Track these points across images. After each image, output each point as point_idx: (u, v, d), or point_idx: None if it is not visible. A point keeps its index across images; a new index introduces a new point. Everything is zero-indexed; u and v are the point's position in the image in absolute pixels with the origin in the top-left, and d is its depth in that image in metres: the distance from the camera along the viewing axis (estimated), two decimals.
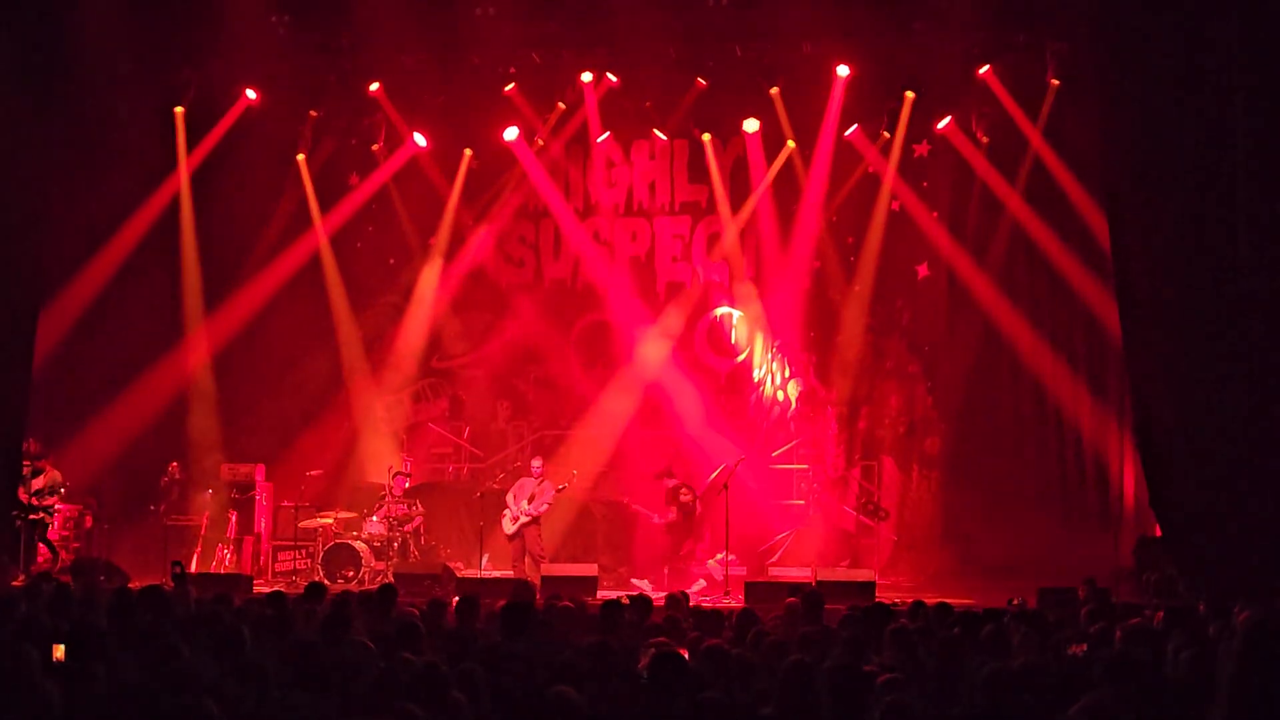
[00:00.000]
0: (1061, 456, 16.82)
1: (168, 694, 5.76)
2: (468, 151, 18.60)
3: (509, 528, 16.01)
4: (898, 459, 17.57)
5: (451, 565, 15.91)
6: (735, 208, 18.16)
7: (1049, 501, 16.64)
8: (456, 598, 9.86)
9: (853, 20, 16.37)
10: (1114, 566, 14.84)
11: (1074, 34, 15.53)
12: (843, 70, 16.96)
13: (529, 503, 15.94)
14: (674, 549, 15.91)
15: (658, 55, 17.30)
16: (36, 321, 15.74)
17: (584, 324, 18.76)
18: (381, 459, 18.23)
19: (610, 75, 17.54)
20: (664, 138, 18.06)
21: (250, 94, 17.86)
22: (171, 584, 11.06)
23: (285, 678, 6.29)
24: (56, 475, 16.00)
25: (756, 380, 18.32)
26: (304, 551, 16.60)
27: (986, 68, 16.58)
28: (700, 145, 18.25)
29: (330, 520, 16.50)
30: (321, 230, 18.71)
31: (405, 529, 16.21)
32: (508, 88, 17.72)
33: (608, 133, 18.31)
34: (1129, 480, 15.71)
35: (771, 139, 17.76)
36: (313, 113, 18.33)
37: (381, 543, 16.00)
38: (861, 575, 14.35)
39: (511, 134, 18.08)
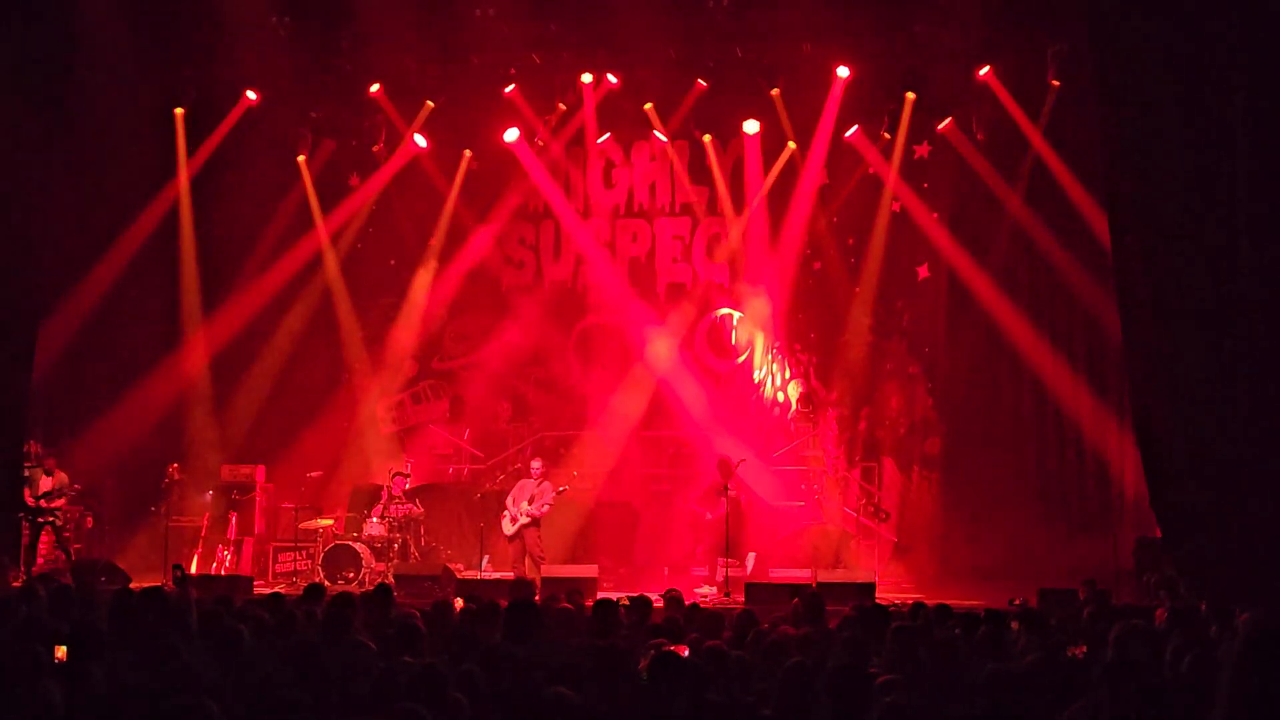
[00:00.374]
0: (1062, 457, 16.83)
1: (168, 695, 5.76)
2: (468, 153, 18.61)
3: (508, 529, 16.00)
4: (898, 460, 17.57)
5: (452, 566, 15.91)
6: (736, 209, 18.17)
7: (1049, 503, 16.65)
8: (459, 600, 9.86)
9: (853, 21, 16.40)
10: (1114, 568, 14.84)
11: (1074, 35, 15.52)
12: (843, 71, 16.97)
13: (529, 504, 15.92)
14: (722, 545, 15.66)
15: (658, 56, 17.32)
16: (38, 322, 15.76)
17: (584, 325, 18.76)
18: (382, 460, 18.26)
19: (610, 76, 17.55)
20: (664, 139, 18.06)
21: (251, 95, 17.86)
22: (172, 586, 11.07)
23: (285, 678, 6.28)
24: (64, 477, 16.03)
25: (757, 381, 18.32)
26: (304, 553, 16.60)
27: (987, 69, 16.59)
28: (700, 146, 18.26)
29: (330, 521, 16.51)
30: (322, 231, 18.71)
31: (405, 530, 16.20)
32: (508, 89, 17.73)
33: (608, 134, 18.32)
34: (1129, 481, 15.69)
35: (772, 140, 17.77)
36: (313, 114, 18.35)
37: (382, 544, 16.00)
38: (862, 576, 14.35)
39: (512, 135, 18.09)
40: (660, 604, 10.36)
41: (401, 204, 18.82)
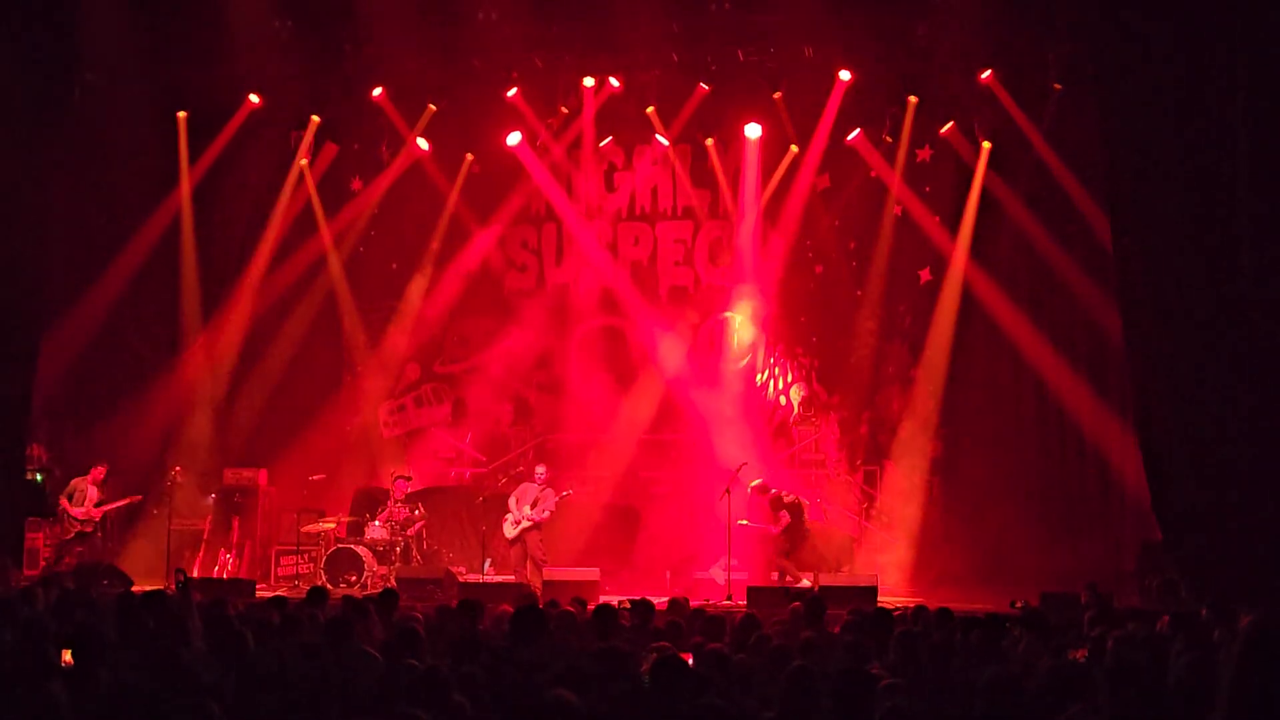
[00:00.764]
0: (1064, 461, 16.81)
1: (170, 697, 5.77)
2: (469, 156, 18.62)
3: (510, 532, 16.02)
4: (900, 463, 17.53)
5: (454, 570, 15.94)
6: (737, 212, 18.16)
7: (1051, 505, 16.62)
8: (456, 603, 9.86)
9: (855, 25, 16.38)
10: (1116, 570, 14.84)
11: (1075, 38, 15.53)
12: (845, 75, 16.97)
13: (531, 508, 15.94)
14: (790, 550, 15.61)
15: (660, 60, 17.32)
16: (40, 325, 15.80)
17: (586, 329, 18.75)
18: (384, 463, 18.28)
19: (612, 80, 17.55)
20: (666, 142, 18.07)
21: (254, 99, 17.87)
22: (174, 589, 11.08)
23: (287, 682, 6.29)
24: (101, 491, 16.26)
25: (758, 385, 18.32)
26: (306, 556, 16.60)
27: (989, 72, 16.59)
28: (702, 150, 18.27)
29: (332, 525, 16.52)
30: (324, 235, 18.72)
31: (407, 533, 16.22)
32: (510, 92, 17.72)
33: (610, 137, 18.33)
34: (1130, 483, 15.67)
35: (774, 144, 17.78)
36: (315, 118, 18.35)
37: (384, 547, 16.01)
38: (863, 580, 14.35)
39: (514, 138, 18.10)
40: (663, 607, 10.38)
41: (403, 207, 18.82)
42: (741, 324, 18.30)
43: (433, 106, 17.96)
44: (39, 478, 17.02)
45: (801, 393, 18.07)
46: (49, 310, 16.19)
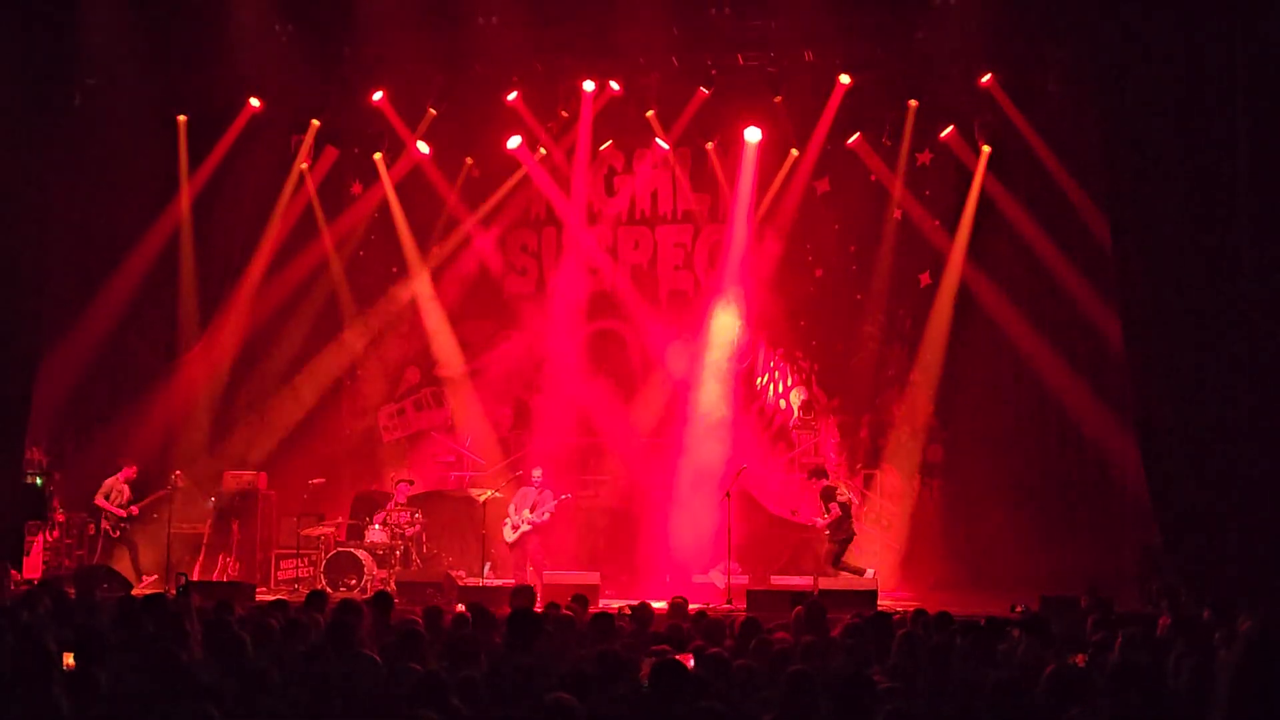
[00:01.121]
0: (1063, 464, 16.81)
1: (171, 701, 5.76)
2: (469, 160, 18.63)
3: (510, 536, 16.03)
4: (900, 467, 17.55)
5: (454, 573, 15.93)
6: (738, 216, 18.15)
7: (1051, 509, 16.62)
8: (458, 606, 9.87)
9: (855, 29, 16.39)
10: (1117, 574, 14.82)
11: (1075, 41, 15.54)
12: (844, 79, 16.98)
13: (530, 511, 15.94)
14: (834, 551, 15.45)
15: (660, 64, 17.32)
16: (41, 327, 15.80)
17: (586, 332, 18.75)
18: (384, 467, 18.28)
19: (613, 84, 17.55)
20: (666, 146, 18.07)
21: (254, 102, 17.87)
22: (174, 593, 11.08)
23: (287, 685, 6.29)
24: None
25: (758, 388, 18.32)
26: (306, 559, 16.58)
27: (989, 76, 16.60)
28: (703, 154, 18.28)
29: (332, 528, 16.51)
30: (324, 239, 18.72)
31: (407, 535, 16.21)
32: (510, 96, 17.72)
33: (610, 141, 18.33)
34: (1131, 487, 15.67)
35: (774, 148, 17.78)
36: (315, 122, 18.36)
37: (384, 551, 16.00)
38: (864, 584, 14.34)
39: (514, 142, 18.11)
40: (663, 611, 10.38)
41: (404, 211, 18.81)
42: (741, 328, 18.28)
43: (433, 110, 17.95)
44: (38, 481, 17.01)
45: (801, 396, 18.06)
46: (49, 312, 16.18)
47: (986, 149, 17.01)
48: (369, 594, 14.37)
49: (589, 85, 17.60)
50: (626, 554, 16.95)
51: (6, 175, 14.94)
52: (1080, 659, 7.92)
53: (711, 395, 17.95)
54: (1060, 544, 15.97)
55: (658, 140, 17.97)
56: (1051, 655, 8.00)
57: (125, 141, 17.52)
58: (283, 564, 16.83)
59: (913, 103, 17.17)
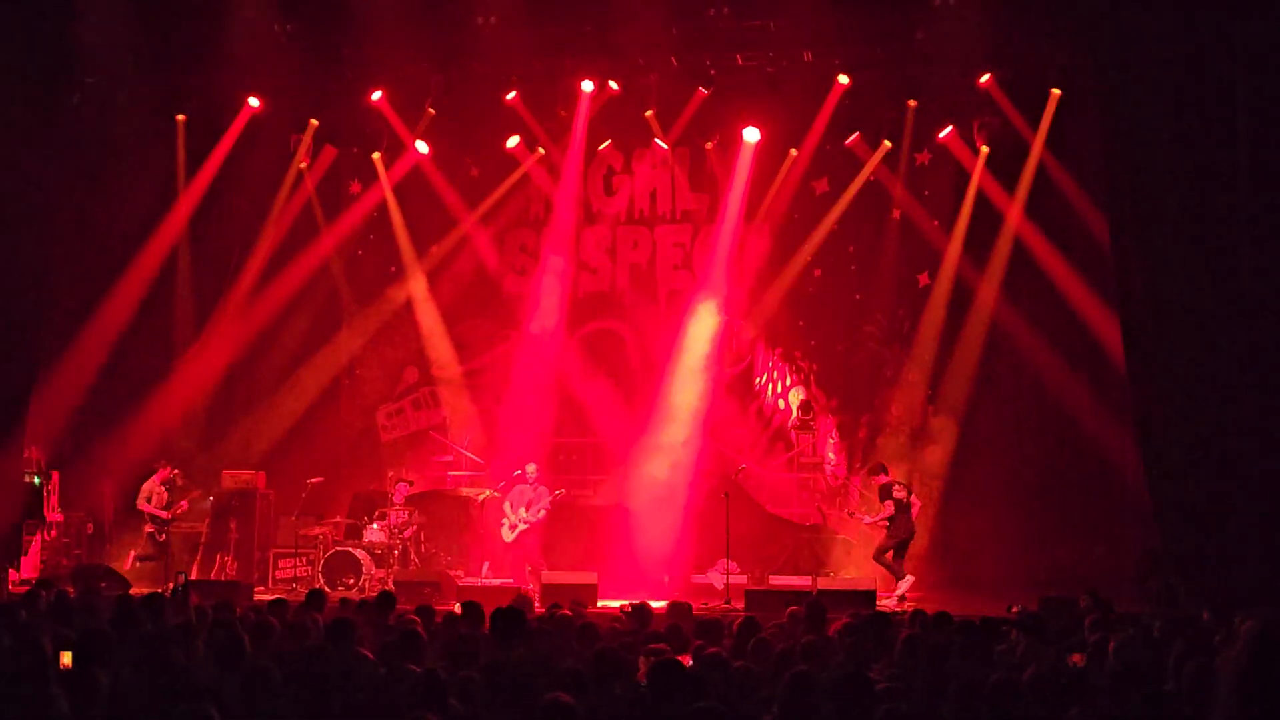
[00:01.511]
0: (1063, 464, 16.81)
1: (169, 701, 5.76)
2: (468, 159, 18.61)
3: (508, 536, 16.02)
4: (899, 467, 17.52)
5: (452, 573, 15.93)
6: (736, 216, 18.14)
7: (1050, 509, 16.62)
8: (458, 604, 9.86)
9: (854, 29, 16.39)
10: (1116, 574, 14.82)
11: (1074, 41, 15.54)
12: (843, 79, 16.98)
13: (526, 510, 15.94)
14: (888, 548, 15.33)
15: (659, 64, 17.31)
16: (39, 325, 15.79)
17: (585, 332, 18.75)
18: (382, 466, 18.26)
19: (612, 84, 17.54)
20: (665, 146, 18.07)
21: (253, 102, 17.86)
22: (171, 593, 11.07)
23: (286, 685, 6.28)
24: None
25: (757, 388, 18.31)
26: (304, 559, 16.57)
27: (987, 76, 16.60)
28: (701, 154, 18.27)
29: (330, 528, 16.50)
30: (323, 238, 18.71)
31: (405, 535, 16.21)
32: (509, 96, 17.72)
33: (609, 141, 18.33)
34: (1131, 487, 15.67)
35: (773, 148, 17.78)
36: (314, 121, 18.34)
37: (382, 550, 16.00)
38: (862, 584, 14.34)
39: (513, 142, 18.10)
40: (662, 610, 10.37)
41: (403, 211, 18.80)
42: (740, 328, 18.29)
43: (432, 110, 17.94)
44: (36, 480, 17.00)
45: (800, 396, 18.06)
46: (47, 311, 16.18)
47: (985, 149, 17.01)
48: (367, 593, 14.43)
49: (588, 85, 17.59)
50: (625, 554, 16.94)
51: (5, 175, 14.93)
52: (1079, 659, 7.91)
53: (711, 395, 17.95)
54: (1060, 544, 15.97)
55: (657, 140, 17.97)
56: (1050, 655, 8.01)
57: (124, 141, 17.53)
58: (281, 563, 16.81)
59: (912, 103, 17.18)
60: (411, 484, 16.85)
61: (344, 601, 11.46)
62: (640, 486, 17.32)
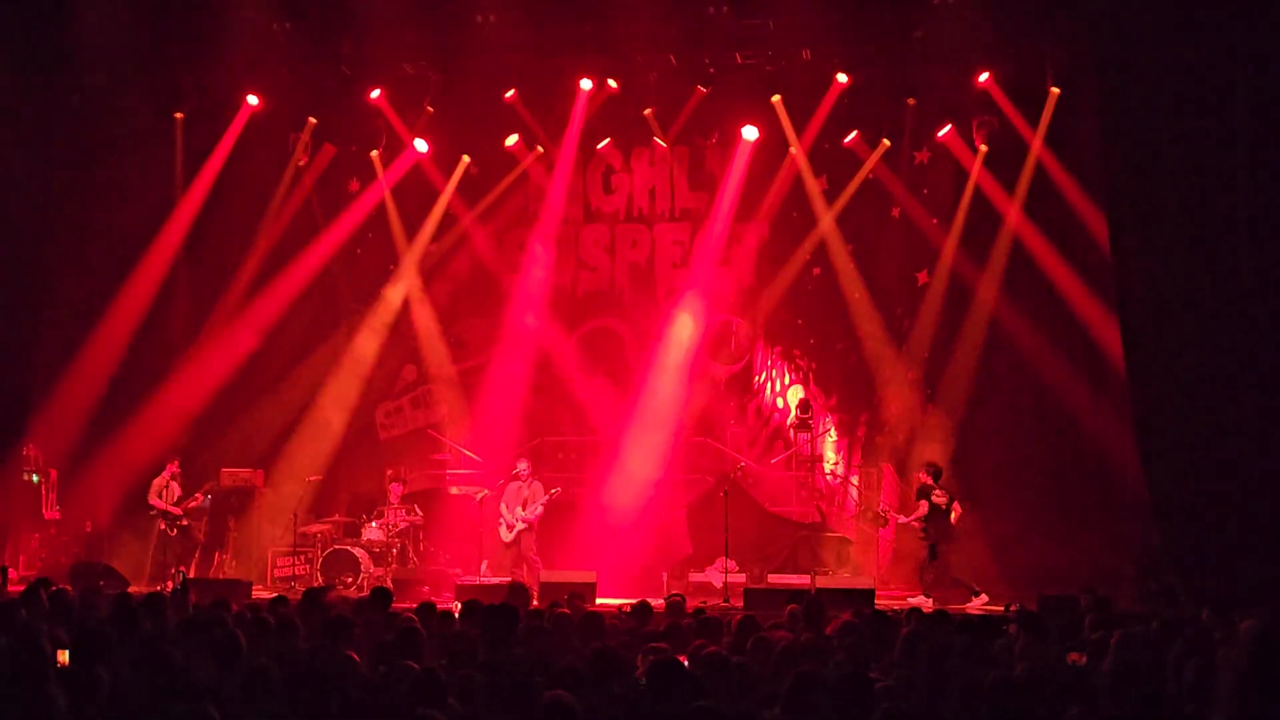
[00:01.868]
0: (1062, 464, 16.80)
1: (168, 699, 5.75)
2: (467, 158, 18.59)
3: (506, 535, 16.01)
4: (897, 466, 17.55)
5: (450, 571, 15.92)
6: (735, 214, 18.14)
7: (1050, 508, 16.60)
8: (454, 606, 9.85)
9: (853, 28, 16.40)
10: (1116, 573, 14.82)
11: (1073, 40, 15.54)
12: (842, 77, 16.98)
13: (522, 509, 15.93)
14: (933, 550, 15.36)
15: (658, 62, 17.31)
16: (38, 324, 15.80)
17: (584, 330, 18.74)
18: (380, 465, 18.23)
19: (611, 82, 17.53)
20: (664, 144, 18.06)
21: (252, 100, 17.84)
22: (170, 591, 11.07)
23: (284, 683, 6.27)
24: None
25: (756, 387, 18.31)
26: (303, 557, 16.58)
27: (986, 75, 16.60)
28: (700, 152, 18.27)
29: (329, 526, 16.49)
30: (321, 236, 18.69)
31: (404, 534, 16.20)
32: (508, 94, 17.71)
33: (608, 139, 18.31)
34: (1130, 486, 15.68)
35: (772, 146, 17.77)
36: (312, 119, 18.33)
37: (380, 548, 16.00)
38: (861, 583, 14.34)
39: (512, 140, 18.09)
40: (660, 609, 10.37)
41: (401, 209, 18.78)
42: (739, 326, 18.29)
43: (430, 108, 17.92)
44: (34, 479, 16.99)
45: (799, 395, 18.05)
46: (46, 309, 16.17)
47: (984, 147, 17.01)
48: (365, 592, 14.42)
49: (587, 84, 17.58)
50: (624, 552, 16.94)
51: (4, 174, 14.93)
52: (1079, 658, 7.91)
53: (710, 394, 17.96)
54: (1060, 543, 15.96)
55: (656, 139, 17.96)
56: (1050, 654, 8.00)
57: (123, 139, 17.50)
58: (279, 561, 16.81)
59: (911, 101, 17.18)
60: (404, 483, 16.84)
61: (341, 599, 11.43)
62: (638, 485, 17.32)
